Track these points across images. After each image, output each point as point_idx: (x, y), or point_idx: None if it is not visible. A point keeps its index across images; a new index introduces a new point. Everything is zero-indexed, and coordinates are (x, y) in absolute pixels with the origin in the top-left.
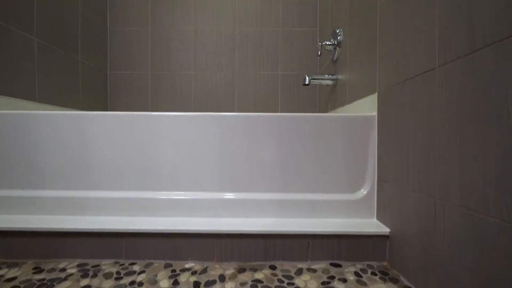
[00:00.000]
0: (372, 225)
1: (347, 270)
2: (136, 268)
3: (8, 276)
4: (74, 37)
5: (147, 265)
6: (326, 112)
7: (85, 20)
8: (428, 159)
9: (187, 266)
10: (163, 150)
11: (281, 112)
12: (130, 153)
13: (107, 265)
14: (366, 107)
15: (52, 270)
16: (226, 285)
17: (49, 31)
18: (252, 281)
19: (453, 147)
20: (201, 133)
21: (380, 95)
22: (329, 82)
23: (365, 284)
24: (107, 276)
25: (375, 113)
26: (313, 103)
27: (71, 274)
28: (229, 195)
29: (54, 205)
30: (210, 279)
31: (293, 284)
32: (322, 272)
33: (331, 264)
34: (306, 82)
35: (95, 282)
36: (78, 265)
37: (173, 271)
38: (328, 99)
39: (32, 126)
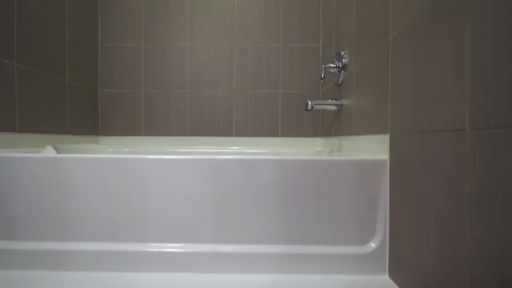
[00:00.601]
0: (383, 284)
1: None
2: None
3: None
4: (61, 57)
5: None
6: (329, 135)
7: (73, 37)
8: (455, 235)
9: None
10: (151, 196)
11: (281, 135)
12: (114, 200)
13: None
14: (375, 146)
15: None
16: None
17: (32, 53)
18: None
19: (490, 231)
20: (194, 178)
21: (393, 138)
22: (333, 108)
23: None
24: None
25: (386, 157)
26: (315, 124)
27: None
28: (225, 247)
29: (27, 258)
30: None
31: None
32: None
33: None
34: (309, 108)
35: None
36: None
37: None
38: (332, 123)
39: (1, 170)
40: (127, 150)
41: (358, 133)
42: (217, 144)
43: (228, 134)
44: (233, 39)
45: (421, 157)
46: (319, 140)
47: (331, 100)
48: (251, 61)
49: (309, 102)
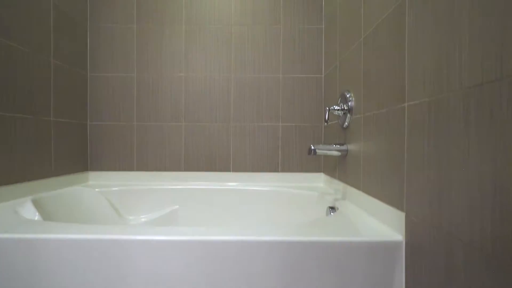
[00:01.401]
0: None
1: None
2: None
3: None
4: (45, 94)
5: None
6: (333, 176)
7: (58, 71)
8: None
9: None
10: (136, 282)
11: (281, 170)
12: (94, 285)
13: None
14: (387, 217)
15: None
16: None
17: (11, 96)
18: None
19: None
20: (184, 262)
21: (409, 220)
22: (337, 154)
23: None
24: None
25: (402, 238)
26: (318, 159)
27: None
28: None
29: None
30: None
31: None
32: None
33: None
34: (312, 154)
35: None
36: None
37: None
38: (336, 165)
39: None
40: (115, 189)
41: (367, 191)
42: (213, 180)
43: (225, 169)
44: (230, 69)
45: (447, 259)
46: (322, 176)
47: (335, 145)
48: (250, 92)
49: (312, 147)
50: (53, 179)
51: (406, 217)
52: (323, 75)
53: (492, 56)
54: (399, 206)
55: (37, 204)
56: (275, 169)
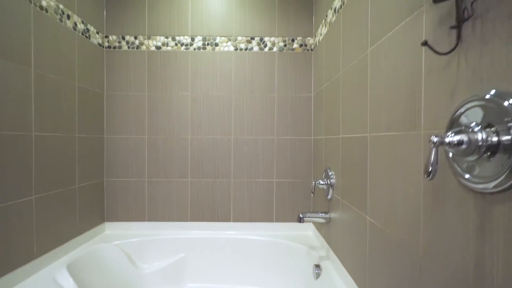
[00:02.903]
0: None
1: None
2: None
3: None
4: (71, 164)
5: None
6: (319, 230)
7: (83, 139)
8: None
9: None
10: None
11: (275, 220)
12: None
13: None
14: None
15: None
16: None
17: (44, 173)
18: None
19: None
20: None
21: None
22: (322, 221)
23: None
24: None
25: None
26: (308, 211)
27: None
28: None
29: None
30: None
31: None
32: None
33: None
34: (301, 222)
35: None
36: None
37: None
38: (321, 226)
39: None
40: (131, 240)
41: (345, 264)
42: (215, 229)
43: (226, 219)
44: (231, 131)
45: None
46: (311, 226)
47: (321, 213)
48: (248, 151)
49: (301, 216)
50: (78, 239)
51: None
52: (312, 138)
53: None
54: (359, 284)
55: (71, 270)
56: (270, 219)
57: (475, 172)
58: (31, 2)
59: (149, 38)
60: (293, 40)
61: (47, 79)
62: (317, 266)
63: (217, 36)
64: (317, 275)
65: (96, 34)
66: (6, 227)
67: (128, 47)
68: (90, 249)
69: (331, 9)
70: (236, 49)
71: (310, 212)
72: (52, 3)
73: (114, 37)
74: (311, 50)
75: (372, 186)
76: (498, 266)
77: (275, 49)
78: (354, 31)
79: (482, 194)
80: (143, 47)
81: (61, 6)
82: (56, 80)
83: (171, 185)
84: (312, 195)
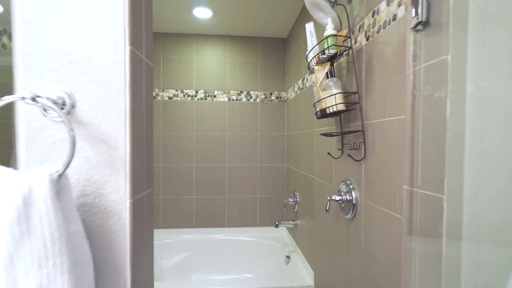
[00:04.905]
0: None
1: None
2: None
3: None
4: None
5: None
6: (290, 232)
7: None
8: None
9: None
10: None
11: (259, 225)
12: None
13: None
14: (308, 272)
15: None
16: None
17: None
18: None
19: None
20: None
21: (316, 275)
22: (291, 226)
23: None
24: None
25: (312, 283)
26: (283, 220)
27: None
28: None
29: None
30: None
31: None
32: None
33: None
34: (277, 227)
35: None
36: None
37: None
38: (291, 230)
39: None
40: (155, 242)
41: (305, 254)
42: (214, 233)
43: (221, 225)
44: (225, 160)
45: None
46: (284, 229)
47: (291, 221)
48: (238, 175)
49: (276, 223)
50: None
51: (315, 273)
52: (285, 165)
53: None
54: (313, 267)
55: None
56: (254, 225)
57: (344, 211)
58: None
59: (163, 90)
60: (271, 94)
61: None
62: (288, 256)
63: (215, 89)
64: (287, 263)
65: None
66: None
67: None
68: None
69: (296, 84)
70: (229, 100)
71: (283, 220)
72: None
73: None
74: (285, 101)
75: (317, 206)
76: (364, 248)
77: (258, 100)
78: (307, 110)
79: (347, 220)
80: (159, 98)
81: None
82: None
83: (180, 201)
84: (285, 208)
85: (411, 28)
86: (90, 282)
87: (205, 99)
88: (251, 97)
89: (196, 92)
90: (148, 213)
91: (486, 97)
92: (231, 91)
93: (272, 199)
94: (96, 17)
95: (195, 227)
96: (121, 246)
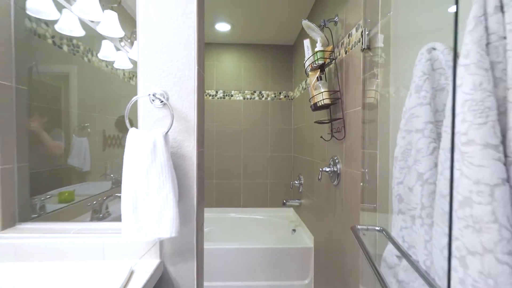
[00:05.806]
0: None
1: None
2: None
3: None
4: None
5: None
6: (296, 211)
7: None
8: None
9: None
10: None
11: (269, 206)
12: None
13: None
14: (310, 238)
15: None
16: None
17: None
18: None
19: None
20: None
21: (315, 239)
22: (297, 204)
23: None
24: None
25: (312, 246)
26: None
27: None
28: None
29: None
30: None
31: None
32: None
33: None
34: (285, 205)
35: None
36: None
37: None
38: (296, 208)
39: None
40: None
41: (308, 226)
42: (231, 212)
43: (237, 206)
44: (240, 150)
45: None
46: (291, 210)
47: (297, 200)
48: (252, 163)
49: (284, 201)
50: None
51: (314, 237)
52: (292, 154)
53: None
54: (313, 233)
55: None
56: (266, 205)
57: (332, 179)
58: None
59: None
60: (280, 93)
61: None
62: (294, 230)
63: (232, 90)
64: (293, 234)
65: None
66: None
67: None
68: None
69: (300, 84)
70: (244, 98)
71: (290, 199)
72: None
73: None
74: (292, 100)
75: (315, 182)
76: (341, 205)
77: (269, 98)
78: (309, 106)
79: (334, 186)
80: None
81: None
82: None
83: (205, 185)
84: (291, 189)
85: (361, 50)
86: (176, 192)
87: (224, 98)
88: (263, 96)
89: (216, 92)
90: (203, 160)
91: (396, 98)
92: (246, 91)
93: (281, 184)
94: (180, 51)
95: (215, 206)
96: (191, 175)
